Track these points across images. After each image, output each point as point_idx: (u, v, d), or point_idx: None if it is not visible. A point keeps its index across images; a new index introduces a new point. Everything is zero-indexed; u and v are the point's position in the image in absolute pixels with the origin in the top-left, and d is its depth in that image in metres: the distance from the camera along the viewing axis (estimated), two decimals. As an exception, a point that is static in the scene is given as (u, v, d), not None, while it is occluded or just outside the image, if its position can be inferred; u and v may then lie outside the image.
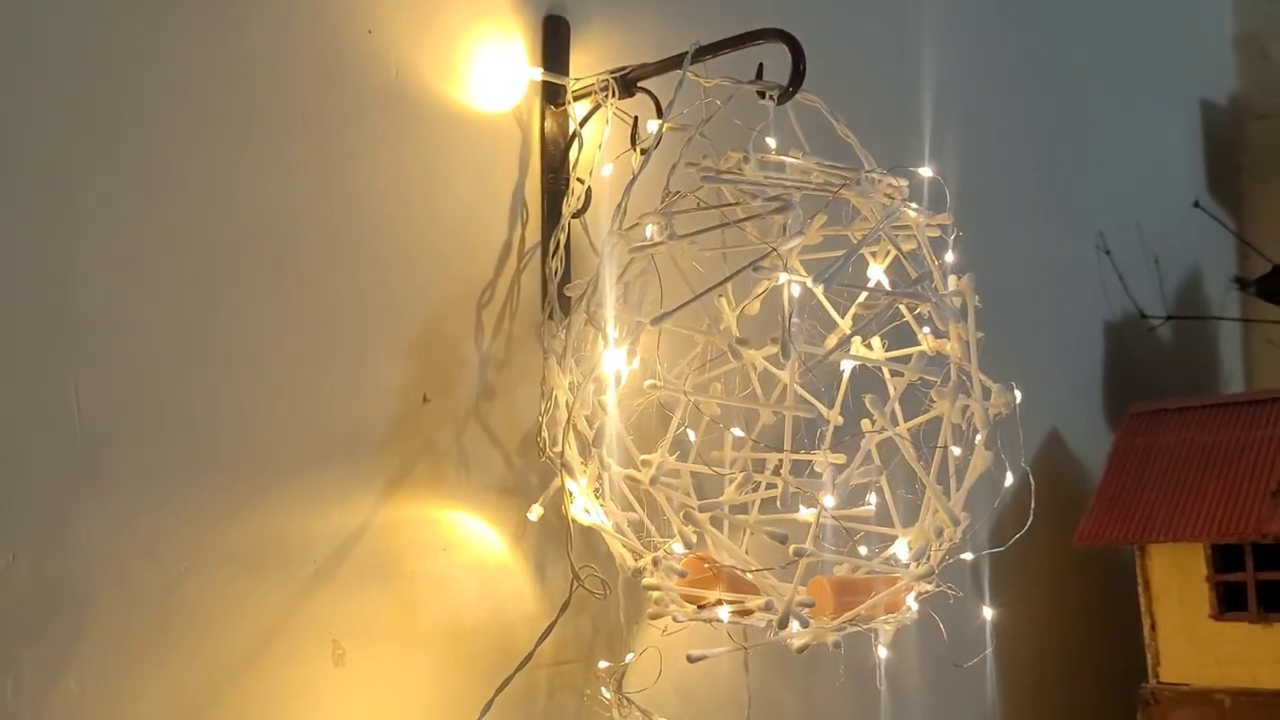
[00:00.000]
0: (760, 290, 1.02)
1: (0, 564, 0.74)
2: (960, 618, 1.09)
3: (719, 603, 0.88)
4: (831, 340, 0.95)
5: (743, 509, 1.00)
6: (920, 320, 0.94)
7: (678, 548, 0.88)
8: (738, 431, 1.01)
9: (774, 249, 0.82)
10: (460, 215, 1.00)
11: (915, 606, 0.91)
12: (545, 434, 0.97)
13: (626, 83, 1.00)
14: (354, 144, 0.93)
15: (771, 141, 0.96)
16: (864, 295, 0.92)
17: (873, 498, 1.00)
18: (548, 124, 1.05)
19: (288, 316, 0.89)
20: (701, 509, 0.86)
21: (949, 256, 0.95)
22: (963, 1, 1.63)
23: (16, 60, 0.77)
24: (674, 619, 0.89)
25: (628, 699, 1.00)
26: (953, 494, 0.89)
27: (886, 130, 1.40)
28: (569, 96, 1.05)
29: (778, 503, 0.99)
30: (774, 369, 1.00)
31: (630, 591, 1.04)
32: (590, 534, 1.00)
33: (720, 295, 1.02)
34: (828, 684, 1.25)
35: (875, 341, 0.98)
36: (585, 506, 0.92)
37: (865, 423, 0.93)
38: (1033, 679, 1.59)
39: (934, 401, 0.90)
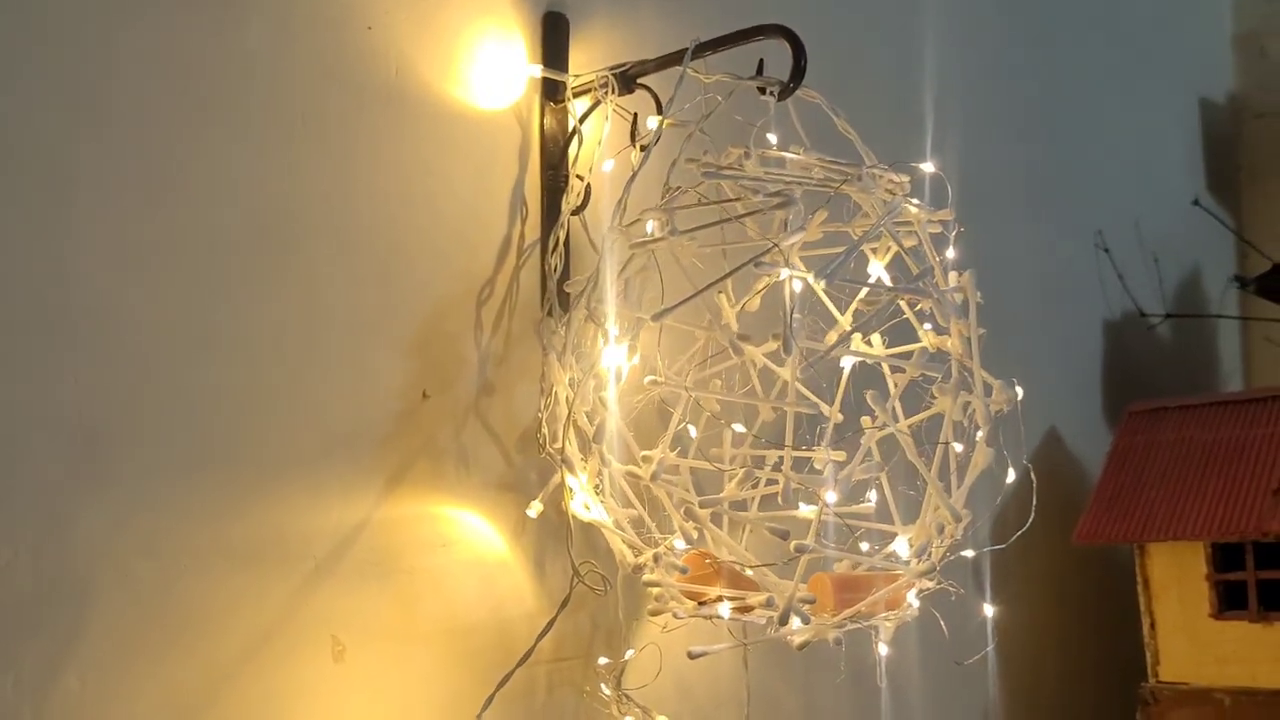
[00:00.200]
0: (761, 286, 1.02)
1: (0, 561, 0.74)
2: (961, 615, 1.09)
3: (719, 599, 0.88)
4: (832, 336, 0.95)
5: (743, 505, 1.00)
6: (921, 317, 0.94)
7: (679, 544, 0.88)
8: (738, 428, 1.01)
9: (775, 244, 0.82)
10: (460, 212, 1.00)
11: (916, 604, 0.91)
12: (545, 430, 0.97)
13: (626, 79, 1.00)
14: (354, 141, 0.93)
15: (772, 137, 0.96)
16: (865, 291, 0.92)
17: (873, 494, 1.00)
18: (547, 121, 1.05)
19: (287, 313, 0.89)
20: (702, 505, 0.86)
21: (950, 253, 0.95)
22: (963, -1, 1.63)
23: (16, 58, 0.77)
24: (674, 615, 0.89)
25: (627, 696, 1.00)
26: (954, 491, 0.89)
27: (887, 126, 1.40)
28: (569, 93, 1.05)
29: (779, 499, 0.99)
30: (774, 366, 1.00)
31: (630, 588, 1.04)
32: (590, 530, 1.00)
33: (720, 291, 1.02)
34: (828, 681, 1.25)
35: (876, 338, 0.97)
36: (585, 503, 0.92)
37: (866, 419, 0.93)
38: (1032, 677, 1.59)
39: (935, 398, 0.90)
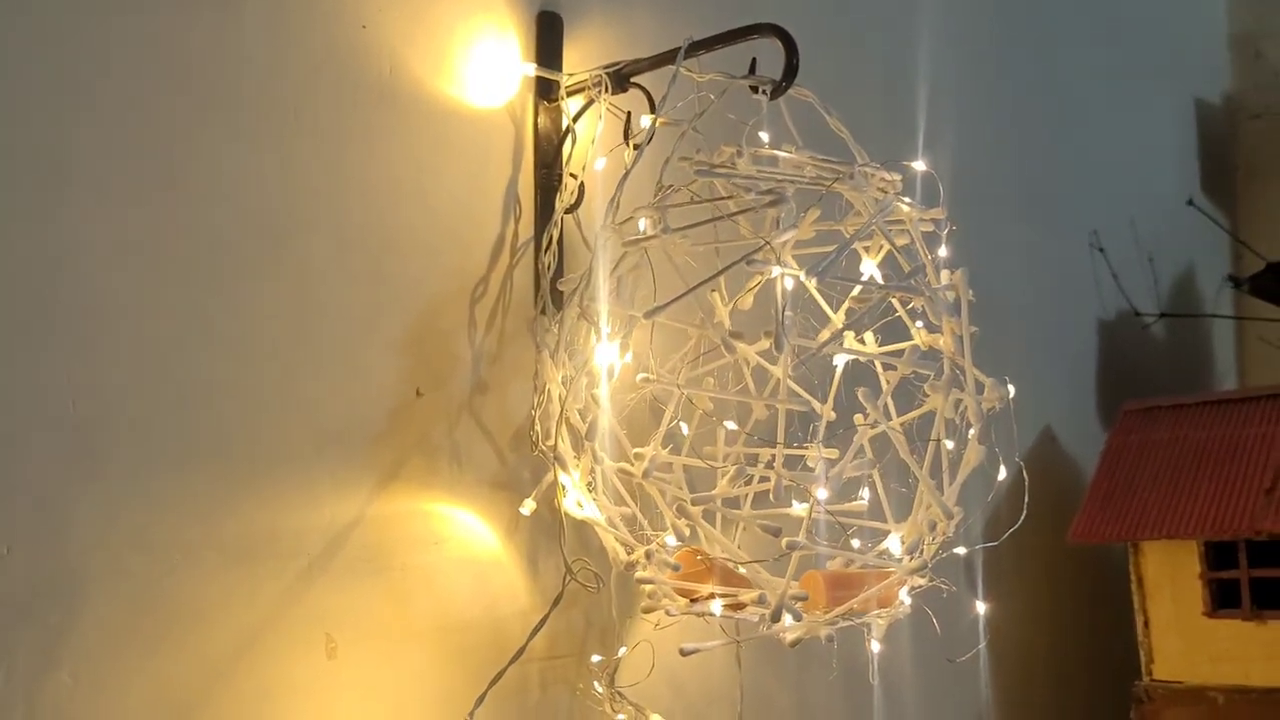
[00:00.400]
0: (753, 284, 1.03)
1: (-6, 555, 0.74)
2: (954, 613, 1.09)
3: (712, 596, 0.88)
4: (825, 335, 0.95)
5: (736, 503, 1.01)
6: (914, 315, 0.94)
7: (670, 541, 0.89)
8: (730, 425, 1.01)
9: (767, 242, 0.83)
10: (454, 210, 1.00)
11: (908, 601, 0.91)
12: (538, 428, 0.97)
13: (620, 78, 1.01)
14: (348, 139, 0.93)
15: (764, 136, 0.96)
16: (858, 289, 0.92)
17: (866, 492, 1.00)
18: (541, 119, 1.05)
19: (280, 310, 0.89)
20: (694, 502, 0.86)
21: (942, 251, 0.95)
22: (957, -2, 1.63)
23: (11, 54, 0.77)
24: (666, 613, 0.89)
25: (620, 693, 1.00)
26: (946, 488, 0.89)
27: (881, 126, 1.41)
28: (562, 92, 1.05)
29: (770, 496, 0.99)
30: (766, 364, 1.00)
31: (623, 586, 1.04)
32: (583, 528, 1.00)
33: (713, 290, 1.02)
34: (821, 679, 1.25)
35: (869, 336, 0.98)
36: (578, 500, 0.92)
37: (859, 417, 0.93)
38: (1026, 676, 1.59)
39: (927, 396, 0.90)
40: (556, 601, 0.98)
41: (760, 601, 0.85)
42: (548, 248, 1.02)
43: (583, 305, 0.90)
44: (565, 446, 0.91)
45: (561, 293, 1.00)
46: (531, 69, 1.05)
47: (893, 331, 0.96)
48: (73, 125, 0.80)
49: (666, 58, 0.97)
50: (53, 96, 0.79)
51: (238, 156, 0.87)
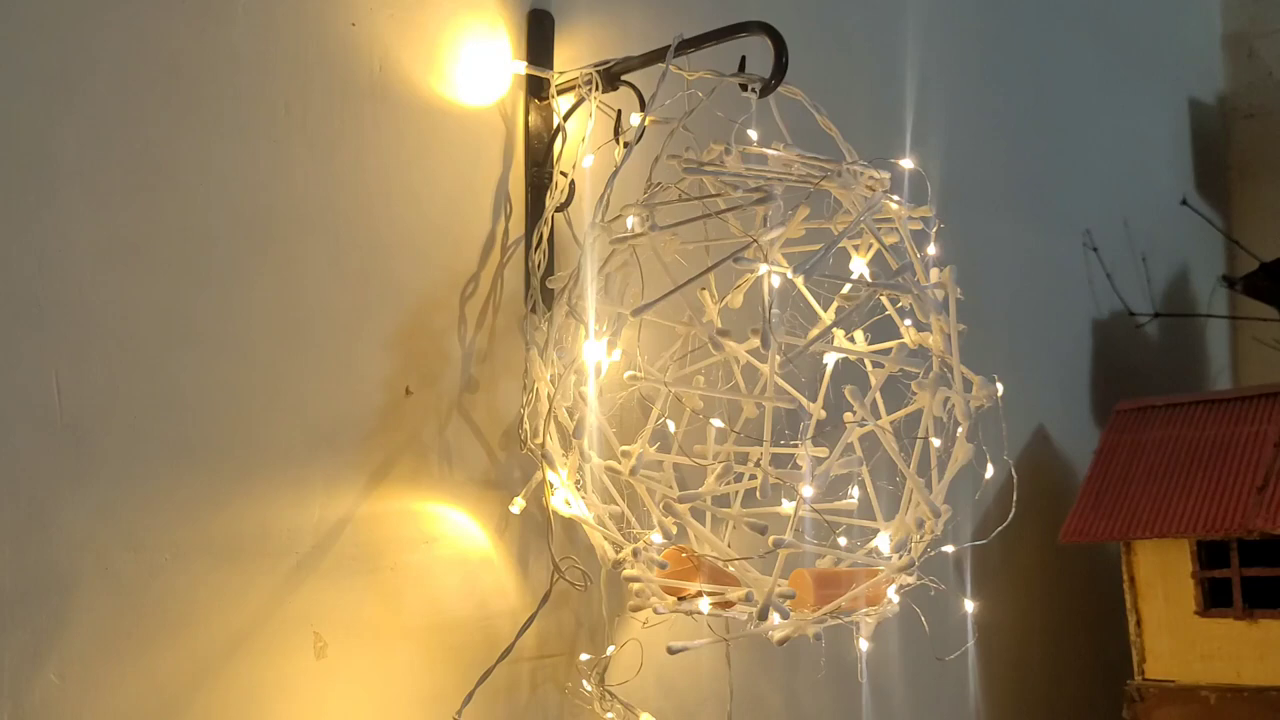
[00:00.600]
0: (743, 283, 1.03)
1: (-21, 554, 0.74)
2: (945, 612, 1.09)
3: (699, 594, 0.88)
4: (814, 333, 0.95)
5: (725, 501, 1.01)
6: (903, 314, 0.94)
7: (656, 538, 0.89)
8: (717, 422, 1.01)
9: (754, 240, 0.83)
10: (444, 208, 1.00)
11: (896, 599, 0.91)
12: (527, 426, 0.97)
13: (610, 76, 1.01)
14: (337, 137, 0.93)
15: (753, 134, 0.96)
16: (847, 287, 0.92)
17: (856, 491, 1.00)
18: (532, 118, 1.05)
19: (270, 308, 0.89)
20: (681, 500, 0.86)
21: (931, 249, 0.95)
22: (949, -3, 1.64)
23: (-4, 50, 0.77)
24: (654, 611, 0.89)
25: (610, 692, 1.00)
26: (934, 486, 0.89)
27: (872, 124, 1.41)
28: (553, 90, 1.05)
29: (757, 494, 0.99)
30: (757, 362, 1.00)
31: (613, 584, 1.04)
32: (573, 527, 1.00)
33: (704, 288, 1.02)
34: (811, 677, 1.25)
35: (859, 335, 0.98)
36: (566, 498, 0.92)
37: (849, 415, 0.93)
38: (1019, 675, 1.59)
39: (915, 394, 0.90)
40: (544, 600, 0.98)
41: (748, 600, 0.85)
42: (538, 246, 1.02)
43: (571, 303, 0.90)
44: (553, 444, 0.91)
45: (552, 291, 1.00)
46: (522, 67, 1.05)
47: (884, 331, 0.96)
48: (59, 123, 0.79)
49: (656, 56, 0.97)
50: (39, 94, 0.79)
51: (226, 154, 0.87)
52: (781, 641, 0.86)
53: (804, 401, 0.95)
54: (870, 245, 0.94)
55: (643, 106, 0.98)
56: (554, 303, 0.95)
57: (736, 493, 1.01)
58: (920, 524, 0.88)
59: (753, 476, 1.00)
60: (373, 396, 0.94)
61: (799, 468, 0.89)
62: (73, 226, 0.79)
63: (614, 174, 0.91)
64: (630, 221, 0.90)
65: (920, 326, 0.92)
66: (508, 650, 0.96)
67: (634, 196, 0.94)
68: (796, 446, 0.91)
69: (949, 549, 0.97)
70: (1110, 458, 1.54)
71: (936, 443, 0.89)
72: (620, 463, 0.87)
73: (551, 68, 1.06)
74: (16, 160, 0.77)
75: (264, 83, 0.89)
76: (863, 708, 1.27)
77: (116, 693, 0.79)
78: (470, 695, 0.94)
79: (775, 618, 0.83)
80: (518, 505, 0.99)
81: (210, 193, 0.86)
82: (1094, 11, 1.97)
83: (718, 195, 0.89)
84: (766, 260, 0.83)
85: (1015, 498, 1.00)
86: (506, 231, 1.04)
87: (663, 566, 0.87)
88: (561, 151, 1.04)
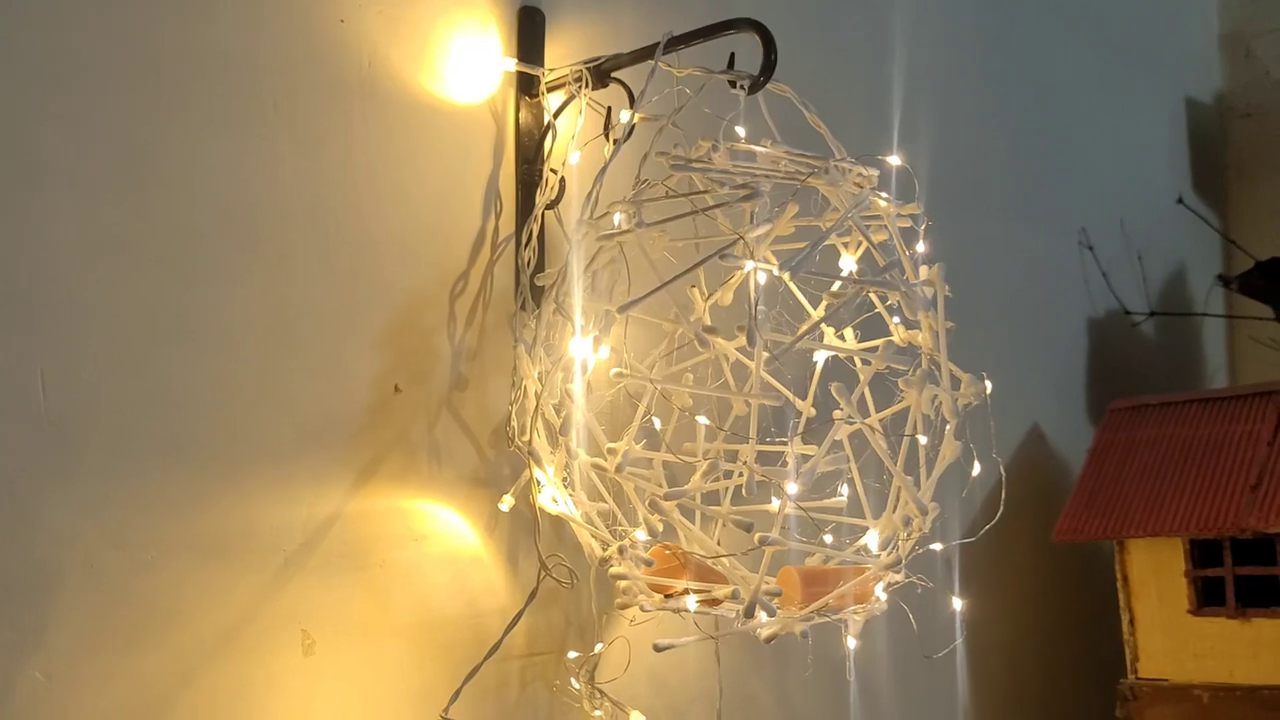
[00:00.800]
0: (732, 280, 1.02)
1: (-36, 551, 0.74)
2: (934, 610, 1.09)
3: (686, 592, 0.88)
4: (801, 329, 0.95)
5: (713, 499, 1.00)
6: (892, 311, 0.94)
7: (641, 535, 0.88)
8: (703, 420, 1.01)
9: (740, 237, 0.82)
10: (434, 206, 1.00)
11: (884, 597, 0.91)
12: (515, 423, 0.97)
13: (600, 73, 1.00)
14: (326, 134, 0.93)
15: (741, 130, 0.96)
16: (837, 284, 0.92)
17: (845, 488, 1.00)
18: (522, 115, 1.05)
19: (257, 305, 0.89)
20: (668, 497, 0.86)
21: (920, 247, 0.95)
22: (944, -5, 1.63)
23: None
24: (641, 608, 0.89)
25: (599, 690, 1.00)
26: (922, 484, 0.89)
27: (862, 122, 1.40)
28: (543, 87, 1.05)
29: (743, 491, 0.99)
30: (746, 360, 1.00)
31: (602, 582, 1.04)
32: (562, 524, 1.00)
33: (693, 286, 1.02)
34: (801, 675, 1.25)
35: (848, 332, 0.98)
36: (554, 496, 0.92)
37: (838, 413, 0.93)
38: (1011, 674, 1.59)
39: (904, 391, 0.90)
40: (531, 597, 0.98)
41: (734, 597, 0.85)
42: (528, 243, 1.02)
43: (559, 300, 0.90)
44: (540, 441, 0.91)
45: (541, 288, 1.00)
46: (512, 64, 1.05)
47: (873, 329, 0.96)
48: (46, 120, 0.79)
49: (646, 53, 0.97)
50: (26, 91, 0.79)
51: (214, 151, 0.87)
52: (769, 639, 0.85)
53: (792, 399, 0.95)
54: (859, 243, 0.94)
55: (632, 103, 0.98)
56: (542, 300, 0.95)
57: (725, 490, 1.01)
58: (907, 522, 0.87)
59: (741, 474, 1.00)
60: (362, 394, 0.94)
61: (787, 465, 0.89)
62: (59, 223, 0.79)
63: (602, 171, 0.91)
64: (617, 218, 0.90)
65: (909, 324, 0.92)
66: (495, 647, 0.96)
67: (623, 194, 0.94)
68: (785, 444, 0.91)
69: (937, 547, 0.97)
70: (1104, 456, 1.54)
71: (924, 440, 0.89)
72: (606, 459, 0.87)
73: (542, 64, 1.06)
74: (3, 157, 0.77)
75: (252, 79, 0.89)
76: (850, 705, 1.26)
77: (102, 691, 0.79)
78: (457, 693, 0.94)
79: (762, 615, 0.82)
80: (507, 503, 0.99)
81: (198, 190, 0.86)
82: (1090, 10, 1.96)
83: (705, 192, 0.89)
84: (753, 257, 0.83)
85: (1004, 496, 1.00)
86: (496, 229, 1.03)
87: (649, 564, 0.87)
88: (552, 148, 1.04)
